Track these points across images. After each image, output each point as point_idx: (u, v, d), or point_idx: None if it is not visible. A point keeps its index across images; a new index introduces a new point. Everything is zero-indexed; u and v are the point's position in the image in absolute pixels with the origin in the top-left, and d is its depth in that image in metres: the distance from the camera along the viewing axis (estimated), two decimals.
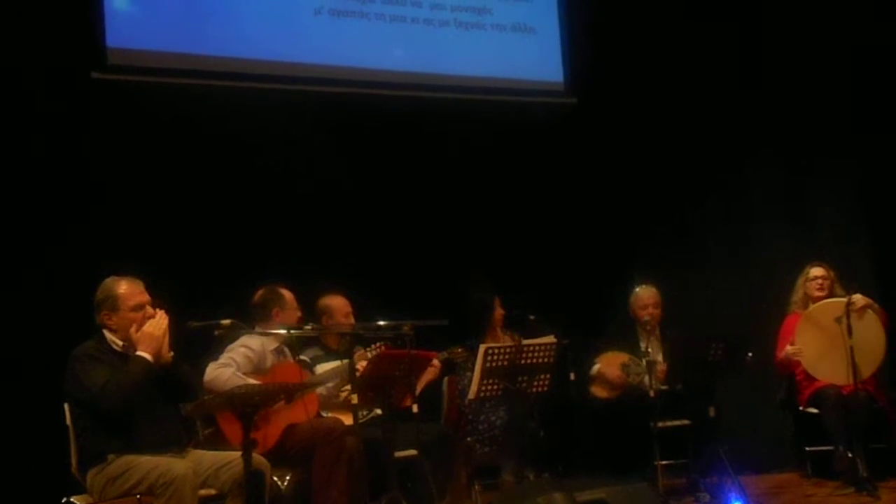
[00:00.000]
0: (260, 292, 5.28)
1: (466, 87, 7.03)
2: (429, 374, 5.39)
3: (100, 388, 4.04)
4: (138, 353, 4.16)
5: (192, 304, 4.87)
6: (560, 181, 7.23)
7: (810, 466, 6.28)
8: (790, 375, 6.25)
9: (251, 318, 5.12)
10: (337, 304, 5.54)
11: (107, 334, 4.27)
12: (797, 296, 6.31)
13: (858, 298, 5.92)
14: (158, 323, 4.21)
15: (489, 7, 7.19)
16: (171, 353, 4.25)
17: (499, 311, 6.17)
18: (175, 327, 4.29)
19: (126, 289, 4.26)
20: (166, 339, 4.22)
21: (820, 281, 6.21)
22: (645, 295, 6.31)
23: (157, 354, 4.17)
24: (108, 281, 4.30)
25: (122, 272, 4.33)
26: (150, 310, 4.25)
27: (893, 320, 6.03)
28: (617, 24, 7.34)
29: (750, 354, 5.77)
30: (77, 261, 5.44)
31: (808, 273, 6.28)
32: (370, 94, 6.69)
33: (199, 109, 6.11)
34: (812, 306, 6.13)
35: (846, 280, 6.19)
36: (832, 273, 6.24)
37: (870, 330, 5.91)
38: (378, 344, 5.25)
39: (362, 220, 6.54)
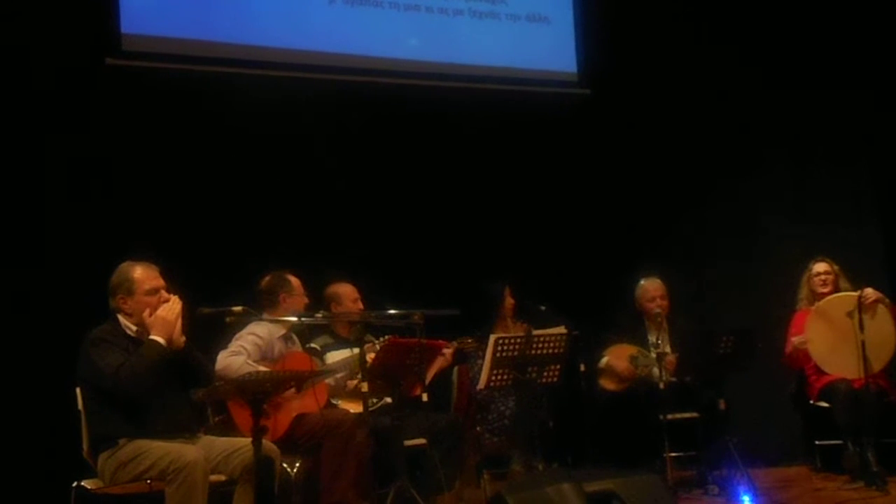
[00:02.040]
0: (266, 278, 5.30)
1: (480, 76, 7.01)
2: (440, 363, 5.40)
3: (114, 372, 4.05)
4: (151, 336, 4.17)
5: (204, 290, 4.86)
6: (572, 172, 7.21)
7: (820, 460, 6.26)
8: (801, 370, 6.23)
9: (258, 304, 5.14)
10: (345, 290, 5.56)
11: (121, 319, 4.28)
12: (803, 292, 6.27)
13: (870, 292, 5.89)
14: (172, 307, 4.22)
15: None
16: (184, 339, 4.26)
17: (509, 301, 6.17)
18: (187, 313, 4.30)
19: (141, 273, 4.28)
20: (179, 324, 4.22)
21: (823, 277, 6.16)
22: (651, 287, 6.30)
23: (170, 339, 4.18)
24: (124, 265, 4.32)
25: (136, 257, 4.35)
26: (164, 294, 4.27)
27: None
28: (631, 15, 7.32)
29: (759, 345, 5.75)
30: (90, 245, 5.46)
31: (811, 269, 6.23)
32: (383, 83, 6.68)
33: (212, 96, 6.11)
34: (823, 300, 6.08)
35: (853, 274, 6.16)
36: (836, 267, 6.18)
37: (881, 324, 5.88)
38: (387, 337, 5.24)
39: (374, 209, 6.53)
